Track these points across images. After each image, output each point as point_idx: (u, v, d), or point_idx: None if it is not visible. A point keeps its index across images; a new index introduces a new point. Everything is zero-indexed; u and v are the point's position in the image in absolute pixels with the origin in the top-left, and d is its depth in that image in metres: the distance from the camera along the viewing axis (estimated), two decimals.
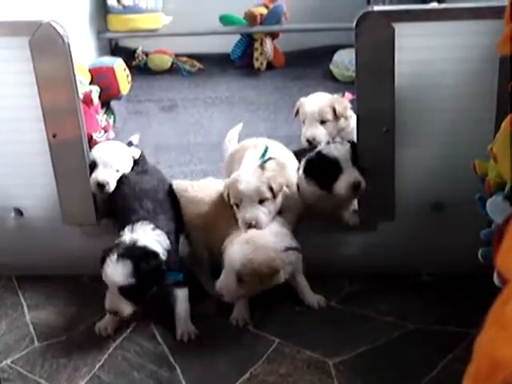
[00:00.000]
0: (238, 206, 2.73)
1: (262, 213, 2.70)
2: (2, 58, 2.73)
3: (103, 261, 2.61)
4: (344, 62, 4.41)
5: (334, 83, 4.43)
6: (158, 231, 2.72)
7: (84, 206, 2.93)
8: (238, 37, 4.78)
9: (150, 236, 2.69)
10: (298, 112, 3.34)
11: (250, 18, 4.62)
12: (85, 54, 4.26)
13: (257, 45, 4.68)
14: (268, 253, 2.57)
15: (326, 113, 3.23)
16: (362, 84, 2.67)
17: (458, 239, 2.76)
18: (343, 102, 3.27)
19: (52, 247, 2.93)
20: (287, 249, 2.64)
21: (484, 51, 2.52)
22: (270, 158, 2.80)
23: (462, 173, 2.55)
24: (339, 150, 2.78)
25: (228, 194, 2.76)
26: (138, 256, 2.59)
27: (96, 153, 2.97)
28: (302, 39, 4.82)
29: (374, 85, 2.65)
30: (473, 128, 2.65)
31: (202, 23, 4.67)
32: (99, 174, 2.92)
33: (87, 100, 3.54)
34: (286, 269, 2.64)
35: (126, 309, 2.61)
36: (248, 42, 4.73)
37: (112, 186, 2.94)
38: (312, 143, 3.19)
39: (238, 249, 2.58)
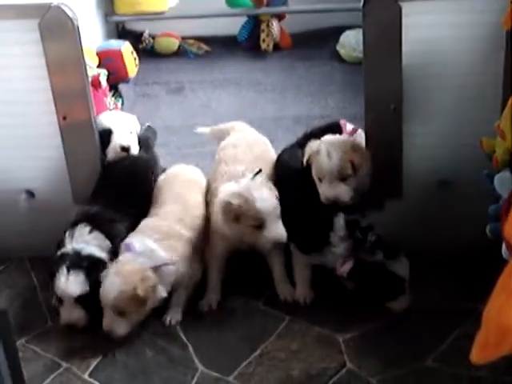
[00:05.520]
0: None
1: None
2: (12, 41, 2.76)
3: (53, 274, 2.68)
4: (351, 42, 4.40)
5: (341, 64, 4.43)
6: (95, 233, 2.75)
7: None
8: (244, 19, 4.77)
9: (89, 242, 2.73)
10: None
11: None
12: (92, 37, 4.26)
13: (263, 26, 4.67)
14: (137, 277, 2.53)
15: None
16: (369, 63, 2.69)
17: (465, 216, 2.77)
18: None
19: (63, 228, 2.95)
20: (156, 267, 2.60)
21: (490, 29, 2.53)
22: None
23: (469, 150, 2.57)
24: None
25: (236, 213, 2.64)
26: (87, 266, 2.65)
27: (106, 120, 3.02)
28: (308, 20, 4.80)
29: (382, 64, 2.67)
30: (479, 105, 2.66)
31: (209, 5, 4.65)
32: (120, 139, 2.99)
33: (95, 83, 3.55)
34: (164, 283, 2.63)
35: (82, 319, 2.67)
36: (254, 24, 4.72)
37: (134, 149, 3.02)
38: None
39: (108, 284, 2.56)
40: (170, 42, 4.76)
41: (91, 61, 3.71)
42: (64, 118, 2.85)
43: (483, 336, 1.19)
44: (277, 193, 2.70)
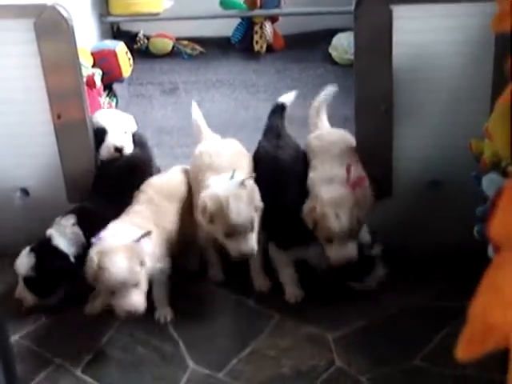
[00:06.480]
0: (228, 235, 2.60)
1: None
2: (7, 40, 2.79)
3: None
4: (343, 45, 4.44)
5: (333, 66, 4.46)
6: (76, 228, 2.77)
7: (88, 184, 2.98)
8: (238, 20, 4.80)
9: (65, 234, 2.76)
10: None
11: (250, 2, 4.63)
12: (87, 37, 4.28)
13: (257, 28, 4.70)
14: (133, 251, 2.49)
15: None
16: (360, 65, 2.73)
17: (455, 216, 2.80)
18: None
19: None
20: (136, 240, 2.52)
21: (480, 32, 2.56)
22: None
23: (460, 152, 2.60)
24: None
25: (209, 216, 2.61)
26: (45, 253, 2.72)
27: (101, 119, 3.04)
28: (301, 22, 4.83)
29: (373, 66, 2.70)
30: (469, 108, 2.70)
31: (203, 7, 4.68)
32: (114, 139, 3.00)
33: (90, 83, 3.57)
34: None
35: (28, 299, 2.78)
36: (248, 26, 4.75)
37: (128, 149, 3.02)
38: None
39: (113, 264, 2.45)
40: (164, 42, 4.78)
41: (86, 61, 3.73)
42: (58, 117, 2.87)
43: (468, 333, 1.21)
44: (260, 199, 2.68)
